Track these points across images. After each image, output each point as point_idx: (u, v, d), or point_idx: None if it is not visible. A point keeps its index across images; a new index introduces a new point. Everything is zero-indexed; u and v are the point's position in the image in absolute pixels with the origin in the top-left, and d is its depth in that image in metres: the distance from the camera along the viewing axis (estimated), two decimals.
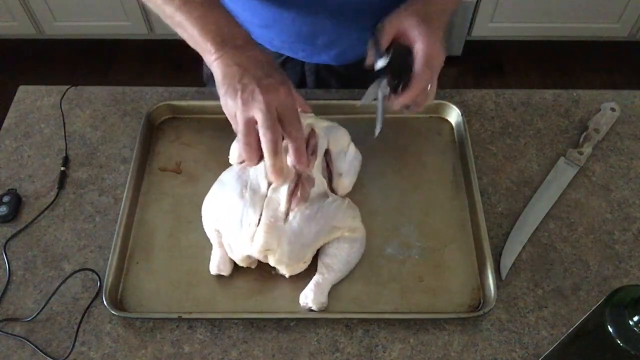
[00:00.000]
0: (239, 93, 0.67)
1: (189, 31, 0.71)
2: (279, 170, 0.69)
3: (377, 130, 0.75)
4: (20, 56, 2.43)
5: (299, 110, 0.77)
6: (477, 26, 2.25)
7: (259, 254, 0.72)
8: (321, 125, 0.79)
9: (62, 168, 0.87)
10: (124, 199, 0.81)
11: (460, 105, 0.92)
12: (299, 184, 0.74)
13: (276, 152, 0.67)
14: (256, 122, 0.67)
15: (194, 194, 0.82)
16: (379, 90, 0.76)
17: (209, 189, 0.79)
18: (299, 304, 0.73)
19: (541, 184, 0.85)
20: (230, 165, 0.81)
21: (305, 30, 0.92)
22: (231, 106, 0.68)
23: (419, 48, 0.74)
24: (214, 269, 0.75)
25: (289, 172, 0.73)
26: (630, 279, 0.76)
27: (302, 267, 0.74)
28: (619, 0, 2.13)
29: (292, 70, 1.02)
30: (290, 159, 0.72)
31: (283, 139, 0.69)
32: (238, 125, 0.68)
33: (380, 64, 0.76)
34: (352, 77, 0.99)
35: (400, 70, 0.77)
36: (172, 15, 0.71)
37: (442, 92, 0.95)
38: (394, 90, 0.76)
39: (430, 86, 0.76)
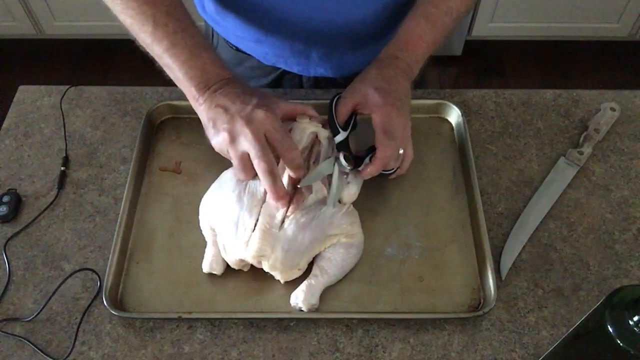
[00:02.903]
0: (225, 131, 0.69)
1: (175, 74, 0.73)
2: (282, 195, 0.69)
3: (330, 208, 0.74)
4: (20, 56, 2.43)
5: (307, 117, 0.77)
6: (477, 26, 2.25)
7: (252, 259, 0.72)
8: (325, 133, 0.79)
9: (62, 168, 0.87)
10: (124, 199, 0.81)
11: (460, 105, 0.92)
12: (297, 191, 0.73)
13: (274, 180, 0.68)
14: (249, 155, 0.68)
15: (194, 194, 0.82)
16: (335, 165, 0.76)
17: (209, 189, 0.79)
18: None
19: (541, 184, 0.85)
20: (232, 165, 0.81)
21: (298, 45, 0.92)
22: (221, 144, 0.71)
23: (374, 118, 0.75)
24: (206, 267, 0.75)
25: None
26: (630, 279, 0.76)
27: (296, 273, 0.74)
28: (619, 0, 2.13)
29: (290, 84, 1.02)
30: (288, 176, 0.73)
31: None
32: (233, 162, 0.71)
33: (339, 138, 0.77)
34: None
35: (370, 149, 0.78)
36: (161, 56, 0.73)
37: (442, 92, 0.95)
38: (357, 164, 0.77)
39: (403, 151, 0.77)
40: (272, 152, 0.69)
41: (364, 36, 0.91)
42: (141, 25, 0.73)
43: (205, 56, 0.73)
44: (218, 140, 0.71)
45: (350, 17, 0.86)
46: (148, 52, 0.75)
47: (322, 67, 0.96)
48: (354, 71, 0.84)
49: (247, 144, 0.68)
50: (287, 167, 0.72)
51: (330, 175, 0.76)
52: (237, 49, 0.99)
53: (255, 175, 0.71)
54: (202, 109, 0.73)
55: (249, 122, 0.68)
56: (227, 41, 0.99)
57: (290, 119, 0.78)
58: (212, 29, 1.00)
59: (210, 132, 0.72)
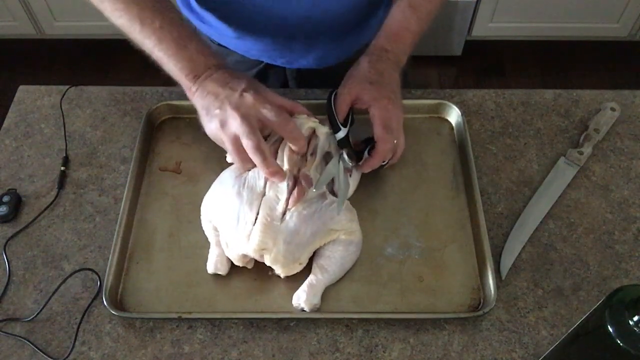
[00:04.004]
0: (216, 117, 0.72)
1: (167, 67, 0.76)
2: (274, 172, 0.71)
3: (341, 208, 0.75)
4: (20, 56, 2.43)
5: (301, 114, 0.78)
6: (477, 26, 2.25)
7: (254, 253, 0.72)
8: (324, 129, 0.79)
9: (62, 168, 0.87)
10: (124, 199, 0.81)
11: (460, 105, 0.92)
12: (297, 183, 0.74)
13: (263, 156, 0.70)
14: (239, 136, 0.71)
15: (194, 194, 0.82)
16: (339, 164, 0.77)
17: (209, 189, 0.79)
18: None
19: (541, 184, 0.85)
20: (231, 164, 0.81)
21: (280, 39, 0.93)
22: (213, 130, 0.73)
23: (373, 113, 0.77)
24: (211, 268, 0.75)
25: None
26: (630, 279, 0.76)
27: (297, 268, 0.74)
28: (619, 0, 2.13)
29: (275, 77, 1.02)
30: (287, 151, 0.74)
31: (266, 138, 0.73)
32: (227, 147, 0.73)
33: (340, 135, 0.78)
34: (336, 79, 0.98)
35: (366, 141, 0.80)
36: (152, 50, 0.75)
37: (442, 92, 0.95)
38: (358, 159, 0.78)
39: (397, 141, 0.79)
40: (267, 132, 0.72)
41: (343, 27, 0.92)
42: (130, 24, 0.75)
43: (191, 47, 0.75)
44: (211, 127, 0.73)
45: (328, 9, 0.87)
46: (144, 50, 0.77)
47: (305, 59, 0.97)
48: (337, 61, 0.88)
49: (235, 125, 0.70)
50: (287, 141, 0.73)
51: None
52: (220, 45, 1.00)
53: (251, 161, 0.72)
54: (195, 98, 0.75)
55: (237, 106, 0.71)
56: (210, 38, 1.00)
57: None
58: (196, 28, 1.01)
59: (204, 120, 0.74)
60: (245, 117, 0.70)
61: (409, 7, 0.83)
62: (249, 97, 0.71)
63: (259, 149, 0.69)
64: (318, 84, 0.98)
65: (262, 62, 1.00)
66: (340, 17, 0.89)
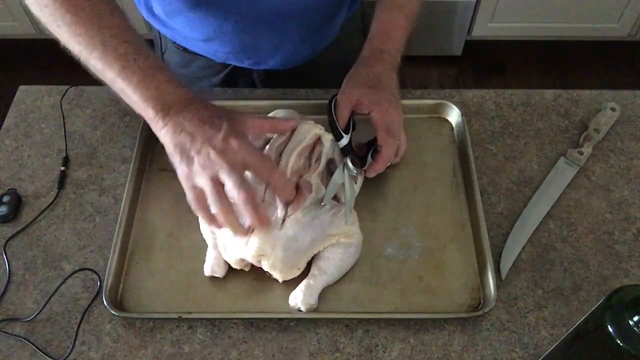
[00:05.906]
0: (195, 160, 0.65)
1: (131, 98, 0.68)
2: (266, 221, 0.67)
3: (349, 219, 0.74)
4: (20, 56, 2.43)
5: (286, 125, 0.76)
6: (477, 26, 2.25)
7: (252, 259, 0.71)
8: (329, 137, 0.79)
9: (62, 168, 0.87)
10: (124, 199, 0.81)
11: (460, 105, 0.92)
12: (297, 190, 0.73)
13: (255, 208, 0.65)
14: (222, 184, 0.65)
15: None
16: (344, 172, 0.76)
17: None
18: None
19: (541, 184, 0.85)
20: None
21: (246, 40, 0.92)
22: (188, 175, 0.66)
23: (374, 117, 0.77)
24: (207, 271, 0.75)
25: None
26: (630, 279, 0.76)
27: (295, 273, 0.74)
28: (619, 0, 2.13)
29: (242, 79, 1.02)
30: (279, 200, 0.71)
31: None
32: (206, 189, 0.65)
33: (343, 142, 0.78)
34: (302, 79, 0.98)
35: (368, 144, 0.81)
36: (114, 81, 0.68)
37: (442, 92, 0.95)
38: (362, 164, 0.78)
39: (398, 142, 0.79)
40: (261, 143, 0.70)
41: (310, 25, 0.93)
42: (90, 51, 0.68)
43: (159, 76, 0.68)
44: (187, 171, 0.66)
45: (296, 8, 0.87)
46: (101, 80, 0.71)
47: (273, 59, 0.96)
48: (303, 60, 0.91)
49: (222, 172, 0.64)
50: (273, 190, 0.70)
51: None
52: (186, 50, 0.99)
53: (227, 211, 0.66)
54: (164, 133, 0.67)
55: (222, 151, 0.64)
56: (176, 43, 0.99)
57: (260, 134, 0.76)
58: (159, 32, 1.00)
59: (175, 159, 0.67)
60: (234, 166, 0.64)
61: (394, 6, 0.84)
62: (233, 142, 0.65)
63: (253, 202, 0.65)
64: (285, 85, 0.97)
65: (229, 65, 0.99)
66: (307, 16, 0.90)
